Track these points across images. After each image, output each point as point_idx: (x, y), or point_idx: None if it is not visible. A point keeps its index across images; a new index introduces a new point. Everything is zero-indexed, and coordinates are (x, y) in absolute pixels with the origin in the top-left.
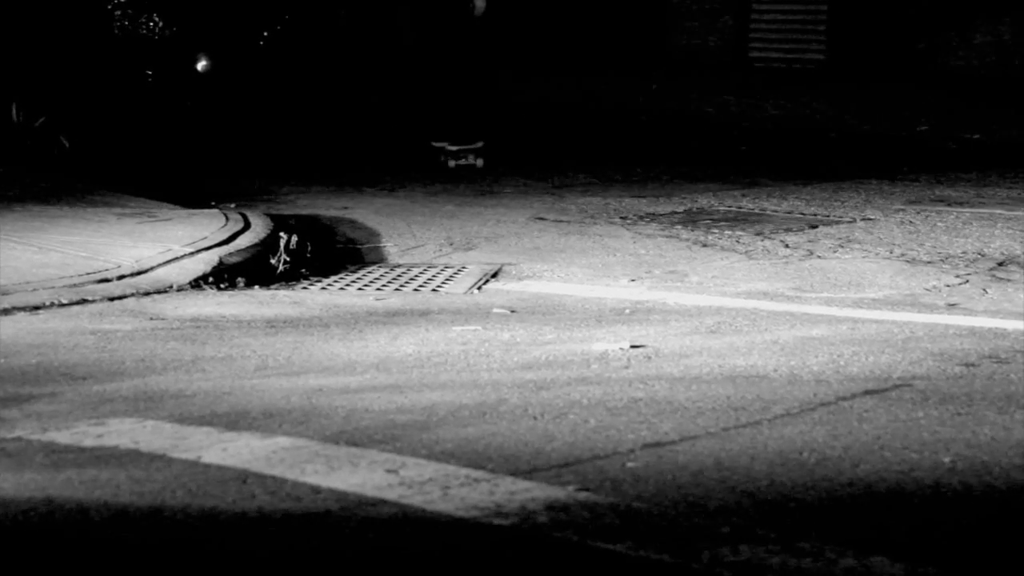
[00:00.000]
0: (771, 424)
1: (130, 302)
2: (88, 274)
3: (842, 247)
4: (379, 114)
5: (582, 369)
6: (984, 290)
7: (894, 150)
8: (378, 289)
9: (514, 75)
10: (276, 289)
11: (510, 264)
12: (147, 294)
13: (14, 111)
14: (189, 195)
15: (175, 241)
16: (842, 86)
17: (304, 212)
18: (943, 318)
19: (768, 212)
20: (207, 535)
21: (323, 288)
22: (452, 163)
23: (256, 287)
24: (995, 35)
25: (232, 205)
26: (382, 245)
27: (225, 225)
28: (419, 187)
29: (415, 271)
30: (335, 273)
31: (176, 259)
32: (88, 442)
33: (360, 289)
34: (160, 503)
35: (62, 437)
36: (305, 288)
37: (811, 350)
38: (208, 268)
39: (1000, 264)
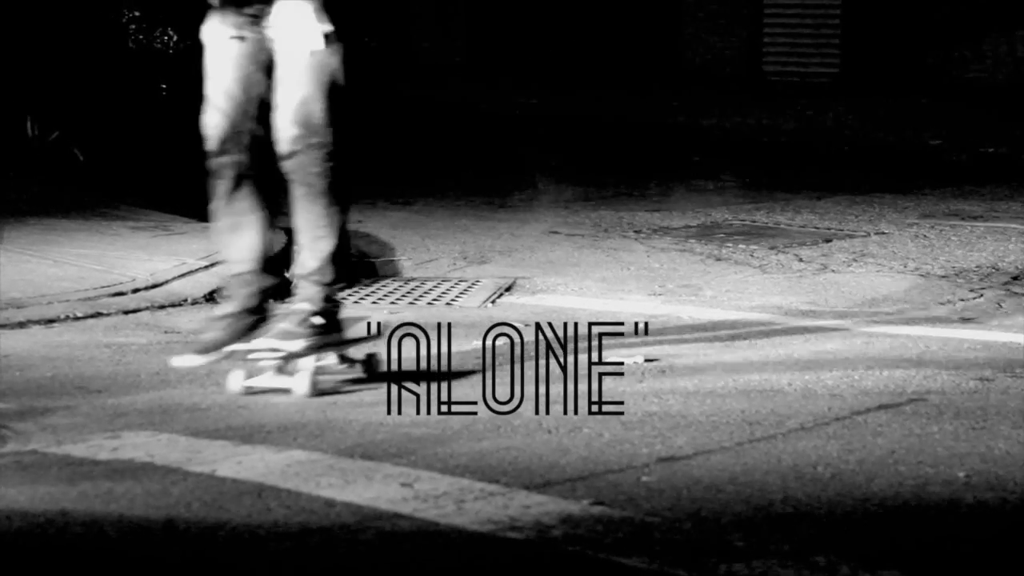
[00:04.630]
0: (785, 438)
1: (145, 315)
2: (103, 287)
3: (856, 261)
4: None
5: (596, 382)
6: (999, 304)
7: (907, 163)
8: (392, 303)
9: (516, 85)
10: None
11: (524, 278)
12: (162, 307)
13: (28, 125)
14: (204, 208)
15: (190, 255)
16: (855, 100)
17: None
18: (957, 332)
19: (782, 226)
20: (222, 548)
21: None
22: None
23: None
24: (1008, 48)
25: None
26: (396, 259)
27: None
28: (433, 200)
29: (429, 284)
30: (349, 286)
31: (191, 272)
32: (103, 455)
33: (374, 302)
34: (175, 516)
35: (77, 450)
36: None
37: (825, 364)
38: (223, 282)
39: (1015, 278)
